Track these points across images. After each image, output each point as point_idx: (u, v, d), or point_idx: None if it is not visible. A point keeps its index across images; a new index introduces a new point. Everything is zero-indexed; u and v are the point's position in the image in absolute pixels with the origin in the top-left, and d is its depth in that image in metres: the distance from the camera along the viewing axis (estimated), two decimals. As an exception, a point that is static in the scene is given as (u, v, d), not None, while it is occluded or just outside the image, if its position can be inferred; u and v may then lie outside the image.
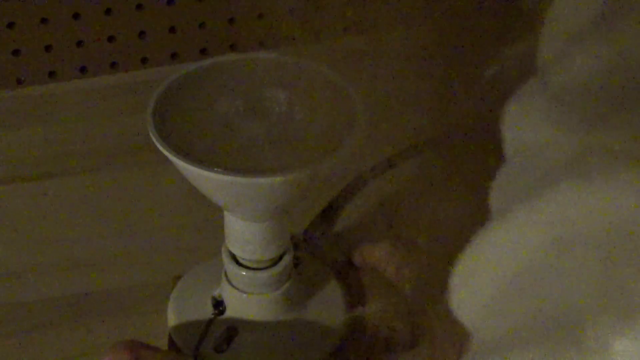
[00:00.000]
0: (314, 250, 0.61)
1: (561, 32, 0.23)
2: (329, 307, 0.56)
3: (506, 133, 0.24)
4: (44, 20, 0.75)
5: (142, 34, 0.78)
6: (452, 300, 0.26)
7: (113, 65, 0.79)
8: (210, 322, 0.54)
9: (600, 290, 0.20)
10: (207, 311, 0.55)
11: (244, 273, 0.52)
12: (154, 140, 0.45)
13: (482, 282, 0.25)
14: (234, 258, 0.52)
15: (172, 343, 0.55)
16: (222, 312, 0.55)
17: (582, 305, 0.20)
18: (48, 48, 0.77)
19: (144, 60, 0.79)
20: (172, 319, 0.56)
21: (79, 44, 0.77)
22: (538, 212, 0.22)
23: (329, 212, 0.64)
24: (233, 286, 0.53)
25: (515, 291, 0.23)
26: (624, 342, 0.19)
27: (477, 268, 0.25)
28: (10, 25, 0.74)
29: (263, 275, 0.52)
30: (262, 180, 0.43)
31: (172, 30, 0.78)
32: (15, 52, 0.76)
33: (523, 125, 0.24)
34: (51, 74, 0.78)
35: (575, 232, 0.21)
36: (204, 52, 0.80)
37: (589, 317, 0.20)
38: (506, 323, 0.23)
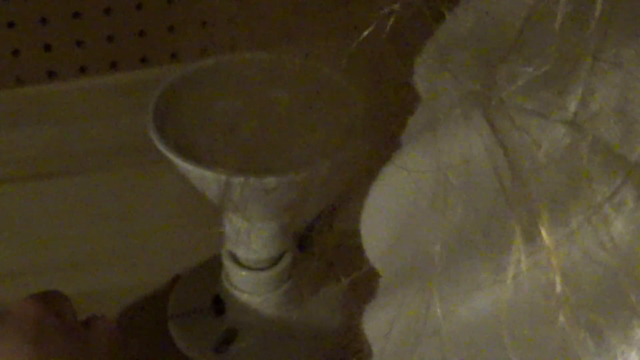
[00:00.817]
0: (314, 250, 0.61)
1: None
2: (329, 307, 0.56)
3: (415, 77, 0.26)
4: (43, 20, 0.75)
5: (142, 33, 0.78)
6: (362, 238, 0.28)
7: (113, 65, 0.79)
8: (208, 309, 0.54)
9: (463, 233, 0.21)
10: (207, 311, 0.55)
11: (244, 273, 0.52)
12: (154, 140, 0.45)
13: (380, 223, 0.27)
14: (234, 258, 0.52)
15: (172, 342, 0.55)
16: (222, 312, 0.55)
17: (447, 247, 0.22)
18: (48, 48, 0.77)
19: (144, 60, 0.79)
20: (172, 319, 0.56)
21: (79, 43, 0.77)
22: (419, 156, 0.24)
23: (330, 212, 0.64)
24: (233, 286, 0.53)
25: (404, 233, 0.25)
26: (481, 275, 0.20)
27: (376, 211, 0.27)
28: (10, 25, 0.74)
29: (263, 275, 0.52)
30: (262, 180, 0.43)
31: (171, 29, 0.78)
32: (15, 52, 0.76)
33: (421, 74, 0.25)
34: (51, 74, 0.78)
35: (445, 178, 0.22)
36: (204, 52, 0.80)
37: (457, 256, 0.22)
38: (400, 261, 0.25)
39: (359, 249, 0.60)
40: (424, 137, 0.23)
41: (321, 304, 0.56)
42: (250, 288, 0.53)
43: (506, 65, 0.20)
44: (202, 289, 0.57)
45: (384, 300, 0.25)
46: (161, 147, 0.44)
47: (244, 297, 0.53)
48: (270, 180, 0.43)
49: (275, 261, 0.52)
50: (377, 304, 0.26)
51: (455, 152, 0.22)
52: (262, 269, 0.52)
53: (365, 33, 0.26)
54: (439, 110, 0.23)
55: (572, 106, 0.19)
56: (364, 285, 0.57)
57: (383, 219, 0.26)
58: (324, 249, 0.61)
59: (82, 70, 0.79)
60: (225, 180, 0.43)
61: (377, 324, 0.25)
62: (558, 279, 0.19)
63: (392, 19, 0.25)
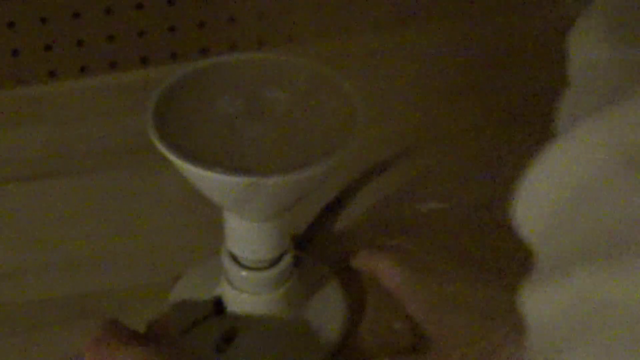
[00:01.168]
0: (314, 250, 0.61)
1: None
2: (329, 307, 0.56)
3: (572, 52, 0.25)
4: (43, 20, 0.75)
5: (142, 33, 0.78)
6: (517, 216, 0.27)
7: (113, 65, 0.79)
8: (209, 315, 0.54)
9: None
10: (207, 311, 0.55)
11: (244, 273, 0.52)
12: (154, 140, 0.45)
13: (544, 196, 0.26)
14: (234, 258, 0.52)
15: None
16: (222, 312, 0.55)
17: None
18: (48, 48, 0.77)
19: (143, 60, 0.79)
20: (172, 319, 0.56)
21: (79, 43, 0.77)
22: (603, 130, 0.22)
23: (330, 212, 0.64)
24: (233, 286, 0.53)
25: (578, 206, 0.24)
26: None
27: (541, 183, 0.26)
28: (10, 25, 0.74)
29: (263, 275, 0.52)
30: (262, 180, 0.43)
31: (172, 29, 0.78)
32: (15, 52, 0.76)
33: (586, 45, 0.24)
34: (51, 74, 0.78)
35: (626, 155, 0.21)
36: (204, 52, 0.80)
37: None
38: (569, 237, 0.24)
39: (358, 249, 0.60)
40: (593, 114, 0.22)
41: (321, 304, 0.56)
42: (250, 288, 0.53)
43: None
44: (202, 289, 0.56)
45: (545, 278, 0.25)
46: (161, 147, 0.44)
47: (244, 297, 0.53)
48: (270, 180, 0.43)
49: (275, 261, 0.52)
50: (538, 281, 0.25)
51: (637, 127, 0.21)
52: (262, 269, 0.52)
53: None
54: (607, 85, 0.22)
55: None
56: (365, 285, 0.57)
57: (544, 199, 0.26)
58: (324, 249, 0.61)
59: (82, 70, 0.79)
60: (226, 181, 0.43)
61: (537, 301, 0.24)
62: None
63: None
